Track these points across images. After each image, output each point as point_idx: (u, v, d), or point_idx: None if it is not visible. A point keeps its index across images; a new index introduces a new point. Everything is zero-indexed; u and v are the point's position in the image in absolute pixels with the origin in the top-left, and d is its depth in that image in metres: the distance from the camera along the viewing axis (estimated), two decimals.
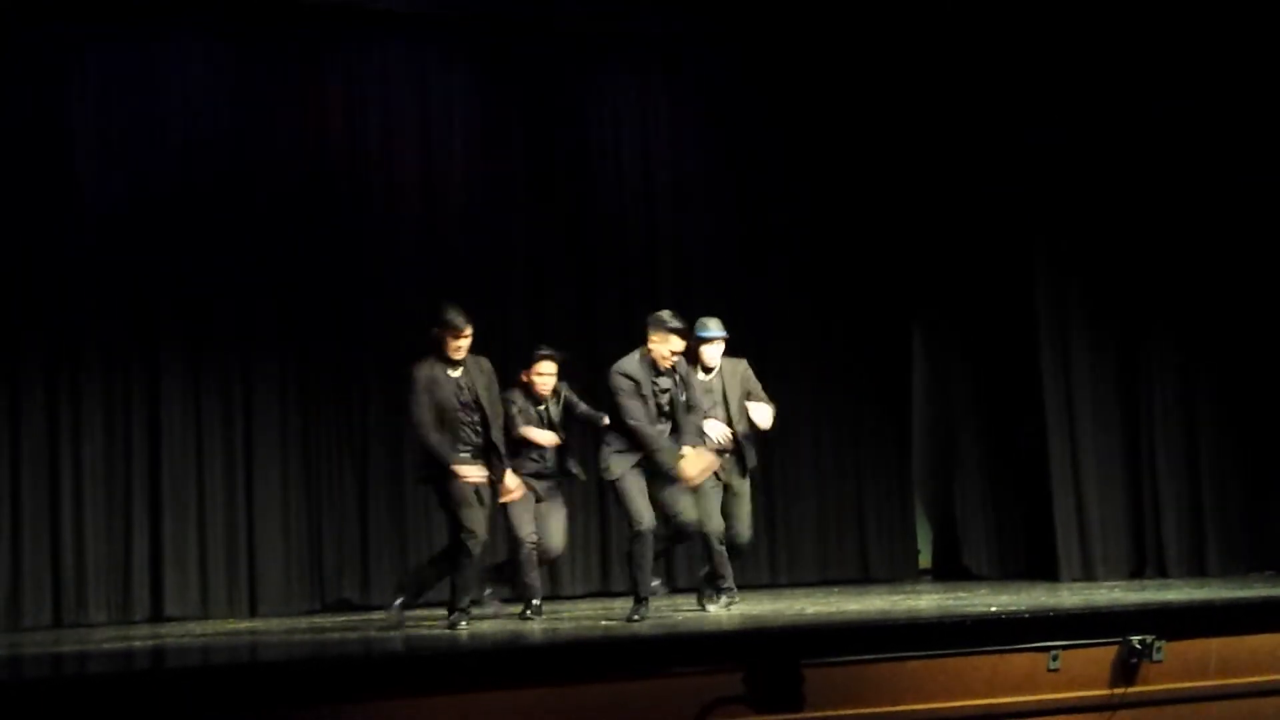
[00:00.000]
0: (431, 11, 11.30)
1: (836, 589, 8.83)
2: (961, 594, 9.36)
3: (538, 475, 8.77)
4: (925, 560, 12.51)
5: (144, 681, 5.76)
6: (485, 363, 8.37)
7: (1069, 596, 8.75)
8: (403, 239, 11.19)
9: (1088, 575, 10.64)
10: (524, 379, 8.84)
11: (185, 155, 10.65)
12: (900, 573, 12.00)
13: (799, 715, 6.07)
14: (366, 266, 11.03)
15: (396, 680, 5.70)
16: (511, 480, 8.40)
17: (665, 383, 8.02)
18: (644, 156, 11.87)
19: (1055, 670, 6.52)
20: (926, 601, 8.73)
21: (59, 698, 5.41)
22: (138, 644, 7.84)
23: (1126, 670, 6.59)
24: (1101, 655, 6.60)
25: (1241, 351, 10.85)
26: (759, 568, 11.47)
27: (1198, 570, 10.54)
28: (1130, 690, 6.60)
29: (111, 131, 10.49)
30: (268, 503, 10.59)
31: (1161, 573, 10.60)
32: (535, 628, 7.99)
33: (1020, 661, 6.50)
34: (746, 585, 11.10)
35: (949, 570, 12.00)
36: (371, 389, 10.94)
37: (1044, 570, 10.97)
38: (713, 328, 8.64)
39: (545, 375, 8.81)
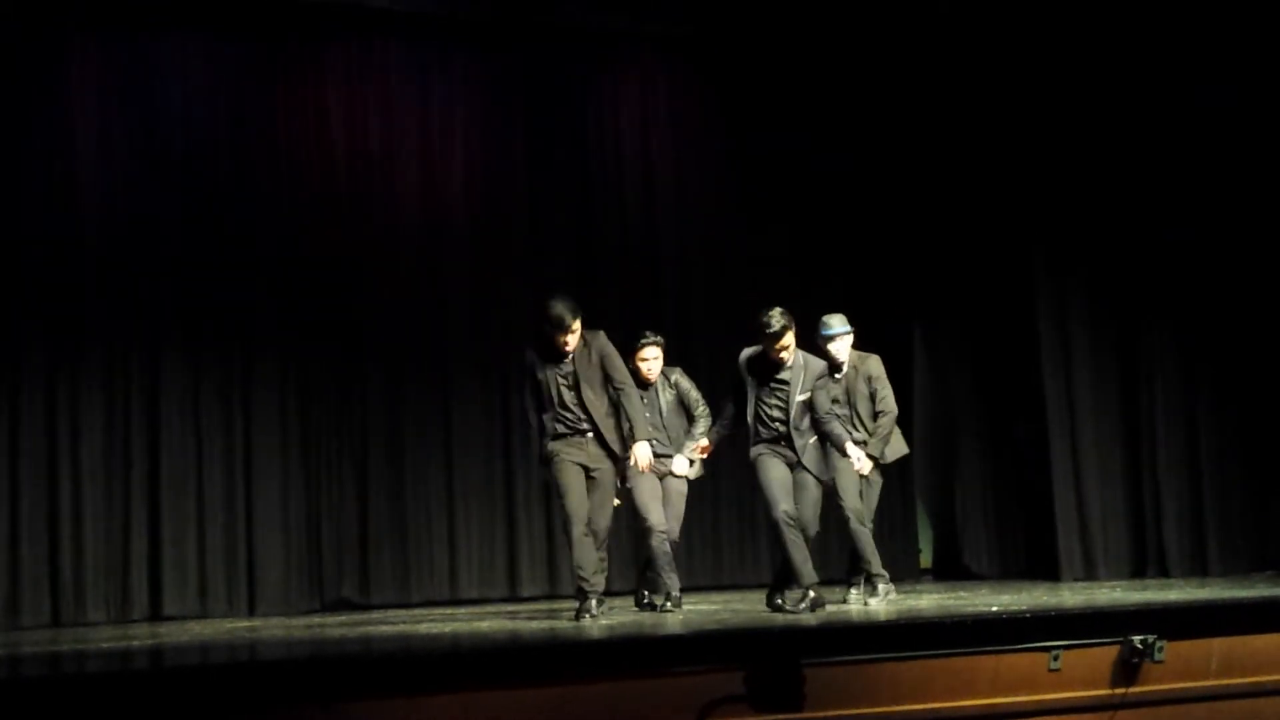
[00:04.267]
0: (431, 11, 11.29)
1: (837, 589, 8.80)
2: (962, 593, 9.34)
3: (656, 457, 8.55)
4: (926, 560, 12.51)
5: (143, 681, 5.74)
6: (599, 338, 7.95)
7: (1070, 596, 8.73)
8: (403, 238, 11.19)
9: (1089, 575, 10.63)
10: (629, 366, 8.71)
11: (185, 154, 10.65)
12: (901, 572, 11.91)
13: (800, 715, 6.05)
14: (366, 266, 11.02)
15: (396, 679, 5.69)
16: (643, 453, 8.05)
17: (783, 376, 7.93)
18: (645, 156, 11.87)
19: (1056, 670, 6.50)
20: (927, 601, 8.71)
21: (57, 697, 5.40)
22: (136, 643, 7.82)
23: (1128, 670, 6.58)
24: (1103, 655, 6.59)
25: (1242, 351, 10.84)
26: (759, 567, 11.47)
27: (1199, 570, 10.54)
28: (1131, 690, 6.59)
29: (111, 131, 10.49)
30: (267, 502, 10.59)
31: (1163, 572, 10.59)
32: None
33: (1021, 661, 6.49)
34: (748, 585, 11.14)
35: (950, 570, 12.00)
36: (371, 388, 10.93)
37: (1045, 570, 10.96)
38: (833, 326, 8.64)
39: (649, 360, 8.65)
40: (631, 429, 7.94)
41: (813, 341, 8.50)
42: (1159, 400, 10.83)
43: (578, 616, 7.78)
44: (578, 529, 7.81)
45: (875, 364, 8.76)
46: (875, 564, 8.56)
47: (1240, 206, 10.79)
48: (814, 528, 7.96)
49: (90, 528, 10.12)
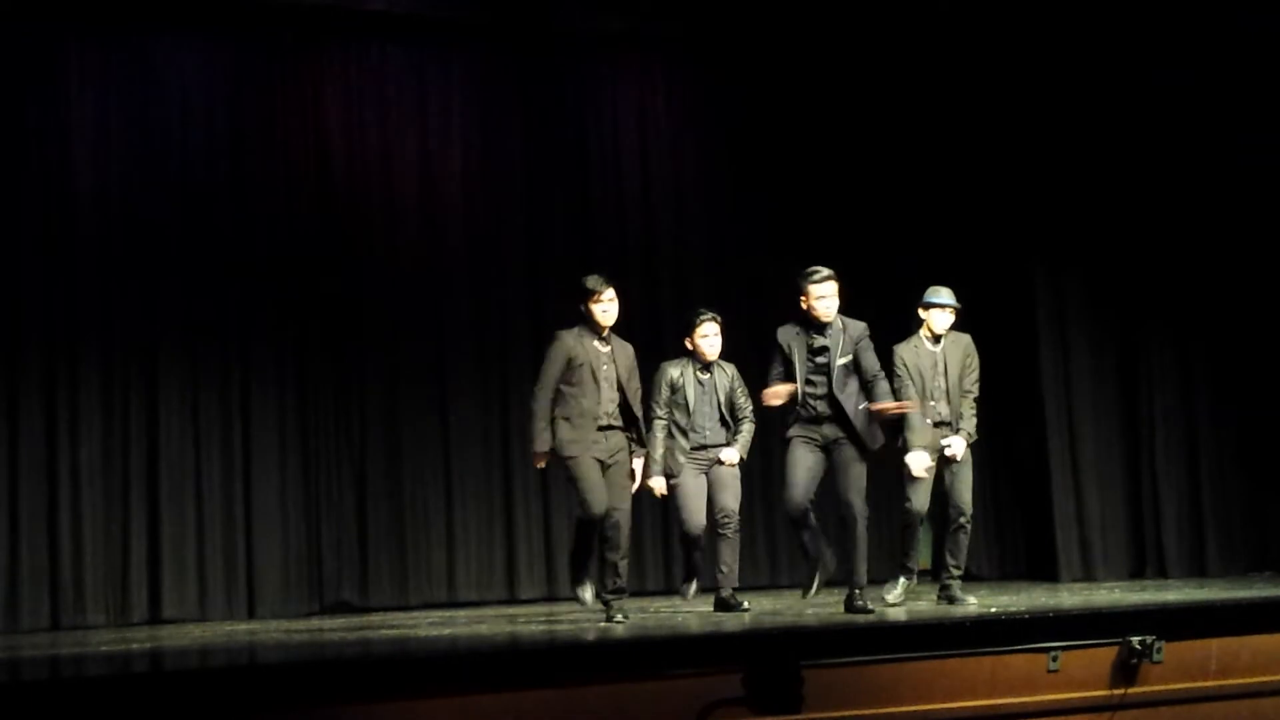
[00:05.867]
0: (429, 13, 11.29)
1: (836, 590, 8.80)
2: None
3: (702, 447, 8.69)
4: (925, 560, 12.48)
5: (142, 684, 5.74)
6: (630, 348, 7.97)
7: (1069, 597, 8.74)
8: (401, 239, 11.18)
9: (1087, 576, 10.64)
10: (688, 345, 8.73)
11: (183, 155, 10.63)
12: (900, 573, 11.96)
13: (798, 717, 6.06)
14: (365, 267, 11.01)
15: (395, 682, 5.69)
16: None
17: (822, 340, 7.85)
18: (642, 157, 11.85)
19: (1055, 671, 6.51)
20: (926, 602, 8.72)
21: (57, 700, 5.40)
22: (136, 646, 7.82)
23: (1126, 671, 6.59)
24: (1101, 656, 6.60)
25: (1241, 352, 10.86)
26: (758, 568, 11.46)
27: (1197, 570, 10.55)
28: (1130, 691, 6.61)
29: (109, 131, 10.47)
30: (266, 505, 10.57)
31: (1161, 573, 10.61)
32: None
33: (1020, 662, 6.50)
34: (746, 586, 11.12)
35: None
36: (370, 390, 10.92)
37: (1044, 571, 10.97)
38: (944, 295, 8.55)
39: (709, 337, 8.70)
40: (638, 436, 8.01)
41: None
42: (1157, 401, 10.84)
43: (607, 619, 7.75)
44: (592, 531, 7.80)
45: (969, 343, 8.63)
46: (913, 558, 8.51)
47: (1240, 207, 10.80)
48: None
49: (89, 530, 10.10)
